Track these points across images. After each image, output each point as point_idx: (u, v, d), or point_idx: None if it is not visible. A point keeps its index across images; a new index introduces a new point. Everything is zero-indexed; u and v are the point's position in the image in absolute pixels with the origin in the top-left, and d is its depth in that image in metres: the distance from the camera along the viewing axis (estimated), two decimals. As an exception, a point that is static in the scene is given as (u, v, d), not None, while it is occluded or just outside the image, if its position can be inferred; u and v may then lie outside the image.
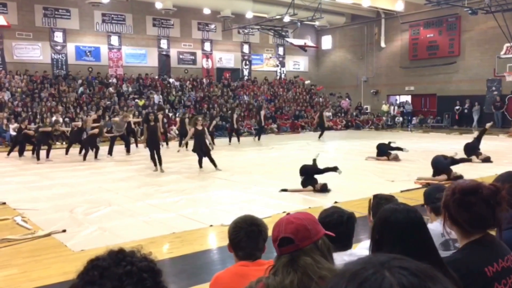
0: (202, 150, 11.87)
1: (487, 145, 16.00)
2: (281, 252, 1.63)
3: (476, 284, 1.61)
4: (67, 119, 21.14)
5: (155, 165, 11.99)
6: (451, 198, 1.73)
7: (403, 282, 0.63)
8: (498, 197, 1.69)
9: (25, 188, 9.98)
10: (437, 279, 0.66)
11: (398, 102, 30.69)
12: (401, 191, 8.88)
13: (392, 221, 1.77)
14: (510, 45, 22.61)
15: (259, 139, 20.24)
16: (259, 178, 10.88)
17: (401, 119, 28.86)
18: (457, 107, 26.52)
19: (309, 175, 9.47)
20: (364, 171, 11.98)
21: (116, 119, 17.05)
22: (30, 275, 5.04)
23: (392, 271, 0.66)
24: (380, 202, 2.75)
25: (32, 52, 24.49)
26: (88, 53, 26.07)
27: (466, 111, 26.23)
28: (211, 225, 6.72)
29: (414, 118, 28.59)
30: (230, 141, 19.34)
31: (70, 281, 1.22)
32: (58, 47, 25.25)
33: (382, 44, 30.48)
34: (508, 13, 21.40)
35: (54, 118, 19.44)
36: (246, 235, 2.27)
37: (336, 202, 7.69)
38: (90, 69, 25.78)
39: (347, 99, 31.56)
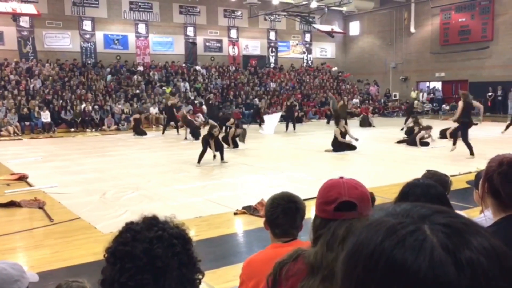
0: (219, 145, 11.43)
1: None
2: (337, 216, 1.46)
3: None
4: (96, 107, 21.49)
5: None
6: (497, 169, 1.65)
7: (446, 242, 0.57)
8: None
9: (57, 173, 10.20)
10: (482, 234, 0.59)
11: (428, 88, 30.05)
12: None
13: (410, 195, 1.80)
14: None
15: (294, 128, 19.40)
16: (285, 165, 10.84)
17: (429, 106, 28.25)
18: (490, 94, 25.78)
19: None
20: (397, 158, 11.81)
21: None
22: (61, 255, 5.16)
23: (434, 228, 0.58)
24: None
25: (62, 41, 24.92)
26: (116, 41, 26.36)
27: (500, 97, 25.48)
28: (235, 213, 6.71)
29: (444, 104, 27.95)
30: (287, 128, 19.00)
31: (100, 261, 1.25)
32: (87, 36, 25.60)
33: (412, 29, 29.79)
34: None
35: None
36: (283, 212, 2.21)
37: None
38: (118, 57, 26.08)
39: (375, 85, 31.08)
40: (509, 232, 1.63)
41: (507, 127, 16.80)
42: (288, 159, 11.72)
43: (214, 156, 11.20)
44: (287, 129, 18.76)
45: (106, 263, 1.18)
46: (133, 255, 1.12)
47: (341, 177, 1.57)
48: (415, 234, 0.58)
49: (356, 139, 13.12)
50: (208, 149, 11.03)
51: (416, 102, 23.84)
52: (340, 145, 12.77)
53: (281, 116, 20.35)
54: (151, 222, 1.19)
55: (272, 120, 19.17)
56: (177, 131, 18.09)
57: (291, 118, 19.13)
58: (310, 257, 1.44)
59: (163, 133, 18.19)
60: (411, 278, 0.55)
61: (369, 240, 0.60)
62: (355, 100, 28.44)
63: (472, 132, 16.21)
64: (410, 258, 0.56)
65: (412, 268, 0.55)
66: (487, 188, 1.70)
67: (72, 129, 20.33)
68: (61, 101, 21.36)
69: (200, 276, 1.25)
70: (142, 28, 26.95)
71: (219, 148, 11.26)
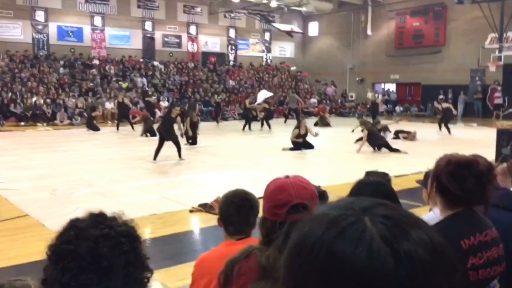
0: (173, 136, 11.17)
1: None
2: (289, 219, 1.41)
3: None
4: (48, 100, 20.75)
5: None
6: (445, 169, 1.70)
7: (385, 234, 0.57)
8: (490, 174, 1.68)
9: (4, 168, 9.77)
10: (421, 227, 0.60)
11: (383, 90, 30.83)
12: (395, 176, 8.87)
13: (360, 194, 1.83)
14: (494, 36, 22.78)
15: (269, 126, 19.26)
16: (243, 163, 10.84)
17: (384, 107, 28.99)
18: (441, 97, 26.68)
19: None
20: (350, 156, 12.04)
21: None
22: (7, 253, 4.95)
23: (374, 220, 0.58)
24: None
25: (12, 31, 23.91)
26: (70, 34, 25.54)
27: (450, 100, 26.44)
28: (191, 211, 6.64)
29: (397, 106, 28.76)
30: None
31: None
32: (40, 27, 24.69)
33: (369, 32, 30.47)
34: (494, 3, 21.52)
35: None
36: (236, 209, 2.20)
37: (319, 186, 7.68)
38: (72, 50, 25.29)
39: (332, 86, 31.59)
40: (456, 228, 1.68)
41: (440, 126, 17.57)
42: (246, 157, 11.72)
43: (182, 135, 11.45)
44: (243, 128, 18.65)
45: (48, 262, 1.12)
46: (76, 254, 1.07)
47: (287, 176, 1.55)
48: (355, 225, 0.58)
49: (316, 134, 13.39)
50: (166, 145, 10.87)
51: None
52: (298, 144, 12.89)
53: (239, 114, 20.41)
54: (97, 219, 1.13)
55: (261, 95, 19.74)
56: (132, 127, 17.78)
57: (247, 118, 19.06)
58: (262, 259, 1.43)
59: (117, 129, 17.79)
60: (350, 269, 0.55)
61: (311, 232, 0.60)
62: (313, 100, 28.82)
63: (423, 133, 16.81)
64: (349, 249, 0.56)
65: (351, 259, 0.55)
66: (435, 187, 1.75)
67: (22, 123, 19.55)
68: (10, 94, 20.49)
69: (149, 275, 1.21)
70: (98, 20, 26.24)
71: (176, 143, 11.07)
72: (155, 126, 14.03)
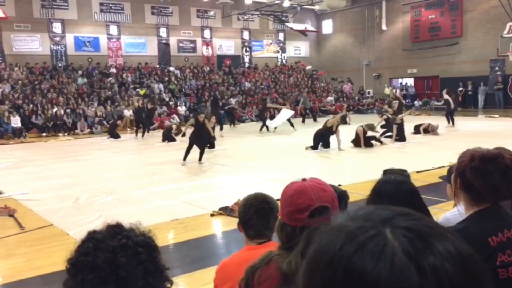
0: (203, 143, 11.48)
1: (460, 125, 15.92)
2: (311, 224, 1.44)
3: (478, 254, 1.54)
4: (68, 110, 21.08)
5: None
6: (469, 164, 1.65)
7: (408, 248, 0.53)
8: None
9: (28, 179, 9.94)
10: (447, 238, 0.55)
11: (401, 84, 30.48)
12: (417, 172, 8.76)
13: (382, 193, 1.81)
14: (513, 24, 22.33)
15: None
16: (261, 164, 10.82)
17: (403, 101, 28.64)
18: (460, 89, 26.29)
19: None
20: (369, 154, 11.92)
21: None
22: (33, 264, 5.02)
23: (395, 233, 0.55)
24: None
25: (31, 44, 24.36)
26: (87, 44, 25.91)
27: (470, 92, 26.03)
28: (211, 214, 6.64)
29: (416, 100, 28.39)
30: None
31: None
32: (57, 38, 25.10)
33: (384, 27, 30.16)
34: (511, -9, 21.12)
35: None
36: (256, 213, 2.18)
37: (339, 185, 7.62)
38: (89, 60, 25.65)
39: (349, 83, 31.37)
40: (483, 225, 1.63)
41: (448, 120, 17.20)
42: (264, 158, 11.71)
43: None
44: (261, 130, 18.53)
45: (68, 275, 1.12)
46: (95, 265, 1.06)
47: (304, 179, 1.52)
48: (376, 239, 0.54)
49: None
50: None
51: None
52: (318, 141, 12.68)
53: (255, 116, 20.24)
54: (114, 230, 1.13)
55: (282, 116, 18.85)
56: (148, 131, 17.92)
57: (263, 119, 18.93)
58: (283, 265, 1.40)
59: (136, 135, 17.87)
60: (371, 286, 0.51)
61: (328, 246, 0.57)
62: (330, 98, 28.66)
63: (444, 126, 16.55)
64: (370, 265, 0.52)
65: (372, 276, 0.52)
66: (459, 183, 1.69)
67: (44, 134, 19.88)
68: (31, 106, 20.87)
69: (168, 285, 1.20)
70: (113, 29, 26.56)
71: (202, 148, 11.23)
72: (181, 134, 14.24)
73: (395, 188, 1.82)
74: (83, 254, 1.10)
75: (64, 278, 1.16)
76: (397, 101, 17.79)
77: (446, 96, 17.57)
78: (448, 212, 2.47)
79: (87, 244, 1.11)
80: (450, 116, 17.26)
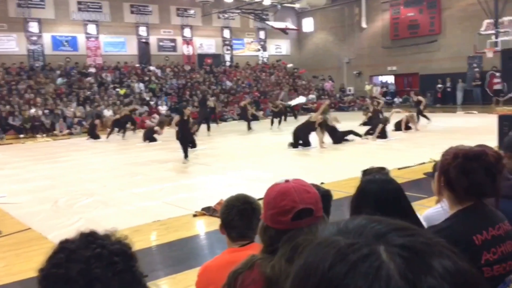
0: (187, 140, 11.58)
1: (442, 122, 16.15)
2: (294, 226, 1.37)
3: (463, 253, 1.52)
4: (46, 111, 20.71)
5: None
6: (453, 162, 1.63)
7: (404, 269, 0.48)
8: (499, 165, 1.61)
9: (5, 182, 9.72)
10: (445, 254, 0.51)
11: (381, 82, 30.73)
12: (399, 168, 8.81)
13: (367, 192, 1.81)
14: (490, 21, 22.66)
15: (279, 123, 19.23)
16: (243, 164, 10.78)
17: (383, 99, 28.87)
18: (439, 86, 26.65)
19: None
20: (354, 152, 11.97)
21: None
22: (11, 269, 4.90)
23: (390, 251, 0.50)
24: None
25: (7, 44, 23.85)
26: (65, 43, 25.48)
27: (449, 89, 26.38)
28: (194, 215, 6.58)
29: (396, 98, 28.66)
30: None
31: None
32: (34, 38, 24.63)
33: (363, 25, 30.32)
34: (487, -11, 21.43)
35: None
36: (238, 213, 2.14)
37: (322, 183, 7.62)
38: (68, 59, 25.24)
39: (330, 81, 31.51)
40: (467, 223, 1.62)
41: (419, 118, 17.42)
42: (247, 157, 11.67)
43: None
44: (249, 128, 18.45)
45: (39, 286, 1.06)
46: (68, 278, 1.00)
47: (287, 180, 1.48)
48: (369, 259, 0.50)
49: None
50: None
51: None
52: (298, 141, 12.70)
53: (238, 115, 20.41)
54: (88, 239, 1.07)
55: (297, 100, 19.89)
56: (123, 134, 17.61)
57: (245, 119, 18.94)
58: (267, 270, 1.36)
59: (107, 137, 17.35)
60: None
61: (316, 265, 0.52)
62: (312, 96, 28.74)
63: (424, 123, 16.74)
64: None
65: None
66: (443, 181, 1.68)
67: (22, 135, 19.50)
68: (8, 107, 20.44)
69: None
70: (92, 28, 26.17)
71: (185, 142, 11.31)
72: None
73: (380, 188, 1.81)
74: (54, 266, 1.03)
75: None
76: (376, 100, 17.95)
77: (419, 98, 17.81)
78: (431, 209, 2.47)
79: (59, 255, 1.05)
80: (420, 114, 17.27)
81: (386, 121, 14.11)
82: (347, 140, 13.50)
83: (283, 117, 20.05)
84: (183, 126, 11.21)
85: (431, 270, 0.49)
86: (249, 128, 18.37)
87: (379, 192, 1.77)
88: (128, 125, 18.76)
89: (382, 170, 2.82)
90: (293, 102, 20.55)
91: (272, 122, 18.96)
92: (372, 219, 0.56)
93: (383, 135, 13.86)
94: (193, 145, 13.42)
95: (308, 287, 0.51)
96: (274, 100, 22.14)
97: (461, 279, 0.50)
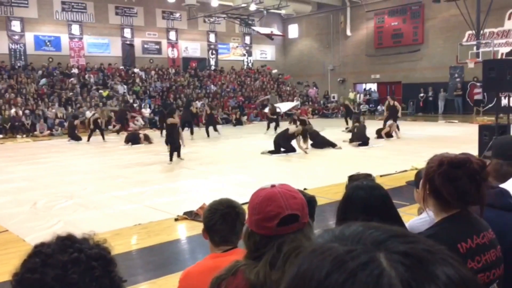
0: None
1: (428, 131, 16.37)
2: (280, 232, 1.35)
3: None
4: (27, 111, 20.37)
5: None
6: (437, 170, 1.63)
7: (407, 278, 0.45)
8: (484, 172, 1.61)
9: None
10: (447, 261, 0.49)
11: (364, 90, 31.00)
12: (380, 176, 8.86)
13: (354, 198, 1.80)
14: (472, 33, 23.09)
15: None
16: (227, 168, 10.73)
17: (366, 106, 29.15)
18: (422, 95, 27.00)
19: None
20: (334, 157, 12.01)
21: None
22: (-15, 273, 4.75)
23: (391, 259, 0.47)
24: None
25: (-13, 42, 23.45)
26: (48, 43, 25.14)
27: (431, 98, 26.74)
28: (176, 219, 6.51)
29: (379, 105, 28.92)
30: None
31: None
32: (16, 37, 24.25)
33: (348, 33, 30.65)
34: (470, 0, 21.81)
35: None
36: (221, 217, 2.10)
37: (305, 189, 7.62)
38: (50, 60, 24.90)
39: (314, 87, 31.68)
40: (452, 231, 1.61)
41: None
42: (230, 161, 11.62)
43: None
44: (208, 135, 17.87)
45: None
46: (43, 283, 0.96)
47: (273, 185, 1.46)
48: (369, 267, 0.47)
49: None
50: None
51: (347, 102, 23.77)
52: (279, 147, 12.71)
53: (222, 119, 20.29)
54: (64, 243, 1.02)
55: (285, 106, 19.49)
56: (103, 138, 17.18)
57: (211, 124, 18.41)
58: (251, 276, 1.33)
59: (88, 140, 16.97)
60: None
61: (311, 273, 0.48)
62: (296, 102, 28.81)
63: (406, 131, 16.91)
64: None
65: None
66: (428, 189, 1.67)
67: (1, 136, 19.13)
68: (-13, 106, 20.07)
69: None
70: (75, 29, 25.88)
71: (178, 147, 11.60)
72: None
73: (367, 194, 1.80)
74: (29, 270, 0.99)
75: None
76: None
77: (395, 103, 17.95)
78: (416, 219, 2.46)
79: (34, 259, 1.00)
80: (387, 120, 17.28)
81: (364, 128, 14.29)
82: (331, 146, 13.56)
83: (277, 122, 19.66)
84: (173, 130, 11.43)
85: (434, 279, 0.46)
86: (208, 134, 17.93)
87: (367, 199, 1.76)
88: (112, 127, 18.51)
89: (368, 176, 2.82)
90: (285, 107, 20.31)
91: (268, 127, 18.87)
92: (369, 225, 0.53)
93: (364, 142, 13.96)
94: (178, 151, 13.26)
95: None
96: (270, 106, 21.76)
97: (464, 287, 0.48)
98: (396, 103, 17.66)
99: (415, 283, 0.46)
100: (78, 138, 17.21)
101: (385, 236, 0.51)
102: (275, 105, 20.91)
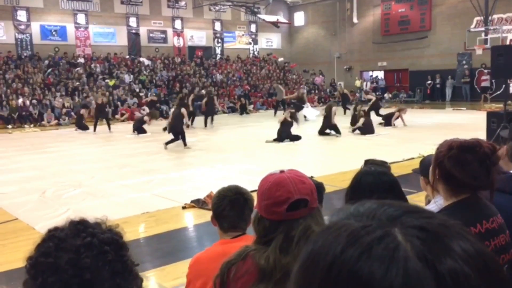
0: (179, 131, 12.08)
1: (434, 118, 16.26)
2: (289, 217, 1.36)
3: None
4: (34, 101, 20.46)
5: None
6: (447, 154, 1.62)
7: (423, 251, 0.46)
8: (494, 157, 1.60)
9: (-9, 172, 9.60)
10: (463, 236, 0.49)
11: (371, 77, 30.82)
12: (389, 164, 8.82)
13: (362, 184, 1.81)
14: (480, 19, 22.82)
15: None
16: (233, 157, 10.75)
17: (373, 94, 28.98)
18: (429, 82, 26.81)
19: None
20: (339, 145, 12.00)
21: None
22: (-4, 260, 4.83)
23: (406, 233, 0.47)
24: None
25: (-6, 32, 23.50)
26: (53, 33, 25.14)
27: (438, 85, 26.55)
28: (183, 207, 6.54)
29: (386, 93, 28.78)
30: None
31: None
32: (22, 27, 24.27)
33: (355, 20, 30.38)
34: (478, -14, 21.53)
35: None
36: (230, 203, 2.11)
37: (312, 177, 7.61)
38: (56, 49, 24.93)
39: (320, 75, 31.54)
40: (461, 216, 1.60)
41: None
42: (236, 150, 11.64)
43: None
44: (206, 125, 17.52)
45: (27, 276, 1.03)
46: (56, 267, 0.97)
47: (282, 171, 1.46)
48: (384, 240, 0.47)
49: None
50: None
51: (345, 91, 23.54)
52: (283, 135, 12.69)
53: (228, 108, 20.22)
54: (77, 228, 1.03)
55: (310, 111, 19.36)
56: (109, 128, 16.89)
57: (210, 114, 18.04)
58: (261, 261, 1.34)
59: (94, 130, 16.96)
60: None
61: (327, 248, 0.49)
62: (302, 90, 28.72)
63: (414, 119, 16.83)
64: (379, 272, 0.45)
65: (382, 285, 0.44)
66: (438, 174, 1.67)
67: (9, 125, 19.25)
68: (-5, 96, 20.17)
69: (139, 283, 1.12)
70: (81, 18, 25.86)
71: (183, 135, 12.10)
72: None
73: (375, 179, 1.80)
74: (43, 254, 1.00)
75: (24, 279, 1.06)
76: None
77: (368, 96, 17.95)
78: (426, 206, 2.46)
79: (48, 243, 1.01)
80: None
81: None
82: (328, 134, 13.61)
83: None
84: (178, 118, 12.08)
85: (450, 252, 0.47)
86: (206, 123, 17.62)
87: (375, 184, 1.77)
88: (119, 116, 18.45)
89: (384, 163, 2.82)
90: (310, 114, 19.48)
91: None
92: (383, 202, 0.53)
93: (369, 130, 13.89)
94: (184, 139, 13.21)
95: (318, 272, 0.49)
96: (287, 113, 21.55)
97: (481, 262, 0.48)
98: (369, 96, 17.91)
99: (431, 256, 0.46)
100: (85, 127, 17.23)
101: (400, 211, 0.51)
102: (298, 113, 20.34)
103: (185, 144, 12.04)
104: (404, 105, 19.35)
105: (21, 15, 24.13)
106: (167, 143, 11.88)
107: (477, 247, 0.49)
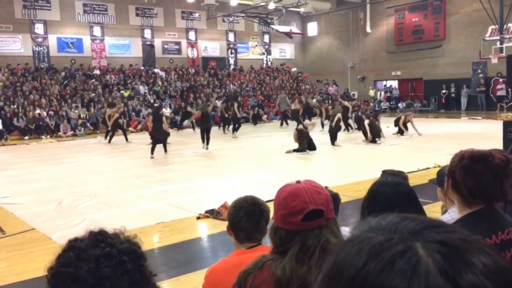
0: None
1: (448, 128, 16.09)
2: (305, 227, 1.37)
3: None
4: (51, 112, 20.77)
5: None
6: (459, 164, 1.62)
7: (444, 265, 0.46)
8: (507, 168, 1.59)
9: (9, 183, 9.74)
10: (484, 250, 0.49)
11: (385, 87, 30.68)
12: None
13: (379, 195, 1.79)
14: (495, 27, 22.64)
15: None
16: (247, 166, 10.77)
17: (387, 104, 28.85)
18: (444, 91, 26.60)
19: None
20: (357, 156, 11.94)
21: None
22: (14, 269, 4.90)
23: (428, 247, 0.48)
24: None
25: (12, 45, 23.94)
26: (70, 45, 25.57)
27: (453, 95, 26.32)
28: (198, 217, 6.56)
29: (400, 103, 28.61)
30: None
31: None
32: (39, 39, 24.73)
33: (368, 30, 30.37)
34: (493, -5, 21.40)
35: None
36: (246, 215, 2.13)
37: (326, 187, 7.59)
38: (73, 61, 25.32)
39: (334, 85, 31.50)
40: (476, 227, 1.59)
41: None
42: (250, 160, 11.65)
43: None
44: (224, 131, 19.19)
45: (48, 286, 1.05)
46: (77, 277, 1.00)
47: (298, 181, 1.47)
48: (406, 255, 0.48)
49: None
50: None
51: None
52: (302, 146, 12.70)
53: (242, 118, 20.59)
54: (97, 238, 1.06)
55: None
56: (126, 139, 16.92)
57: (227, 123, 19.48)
58: (277, 271, 1.35)
59: (109, 141, 16.60)
60: None
61: (350, 262, 0.50)
62: (315, 100, 28.70)
63: (429, 128, 16.71)
64: (401, 286, 0.46)
65: None
66: (451, 184, 1.66)
67: (26, 137, 19.55)
68: (13, 107, 20.51)
69: None
70: (97, 30, 26.27)
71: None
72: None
73: (392, 190, 1.79)
74: (64, 264, 1.03)
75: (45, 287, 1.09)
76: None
77: (344, 103, 17.91)
78: (440, 217, 2.45)
79: (68, 253, 1.04)
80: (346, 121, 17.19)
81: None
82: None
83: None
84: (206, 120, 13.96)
85: (471, 267, 0.47)
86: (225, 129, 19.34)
87: (392, 195, 1.76)
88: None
89: (401, 173, 2.81)
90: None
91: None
92: (405, 216, 0.54)
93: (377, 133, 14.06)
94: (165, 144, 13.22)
95: (342, 285, 0.49)
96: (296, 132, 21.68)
97: (502, 277, 0.48)
98: (345, 103, 18.00)
99: (452, 270, 0.46)
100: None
101: (422, 226, 0.52)
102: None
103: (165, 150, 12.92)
104: (419, 114, 19.24)
105: (39, 28, 24.60)
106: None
107: (498, 262, 0.49)
